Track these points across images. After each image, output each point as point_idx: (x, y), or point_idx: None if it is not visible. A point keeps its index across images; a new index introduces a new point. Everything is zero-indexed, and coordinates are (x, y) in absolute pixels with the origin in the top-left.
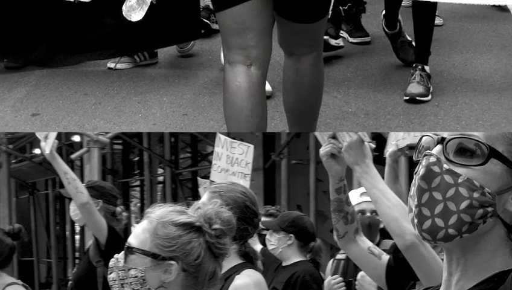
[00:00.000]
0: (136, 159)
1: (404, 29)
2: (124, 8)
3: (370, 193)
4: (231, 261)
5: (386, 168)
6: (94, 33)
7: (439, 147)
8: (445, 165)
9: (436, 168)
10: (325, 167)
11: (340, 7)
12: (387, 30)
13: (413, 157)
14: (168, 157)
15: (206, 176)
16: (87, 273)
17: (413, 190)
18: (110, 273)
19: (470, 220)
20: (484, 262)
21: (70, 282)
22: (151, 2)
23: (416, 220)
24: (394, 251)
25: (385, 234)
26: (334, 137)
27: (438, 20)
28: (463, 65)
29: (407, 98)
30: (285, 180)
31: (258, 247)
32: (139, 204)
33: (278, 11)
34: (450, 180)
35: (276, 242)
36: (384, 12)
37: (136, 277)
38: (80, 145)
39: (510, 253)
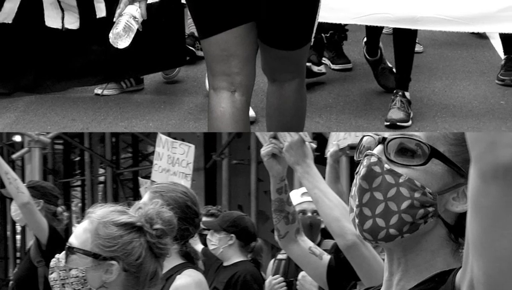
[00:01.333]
0: (77, 159)
1: (385, 56)
2: (110, 35)
3: (311, 193)
4: (172, 261)
5: (327, 168)
6: (81, 60)
7: (380, 147)
8: (386, 165)
9: (377, 168)
10: (266, 167)
11: (323, 34)
12: (368, 57)
13: (354, 157)
14: (109, 157)
15: (147, 176)
16: (28, 273)
17: (354, 189)
18: (51, 273)
19: (411, 220)
20: (425, 262)
21: (11, 282)
22: (138, 30)
23: (357, 220)
24: (335, 251)
25: (326, 234)
26: (275, 137)
27: (418, 47)
28: (443, 91)
29: (388, 123)
30: (226, 180)
31: (199, 247)
32: (80, 204)
33: (261, 39)
34: (391, 180)
35: (217, 242)
36: (365, 39)
37: (77, 276)
38: (21, 145)
39: (451, 253)
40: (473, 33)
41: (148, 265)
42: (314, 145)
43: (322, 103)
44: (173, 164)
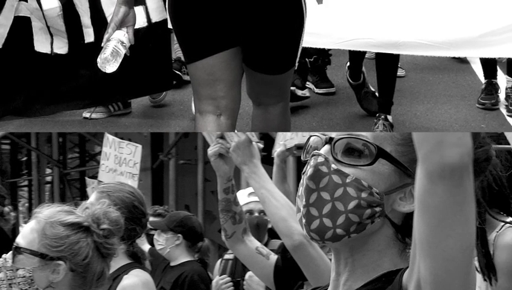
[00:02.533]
0: (24, 159)
1: (367, 80)
2: (98, 60)
3: (258, 192)
4: (119, 261)
5: (274, 168)
6: (70, 84)
7: (327, 147)
8: (333, 165)
9: (324, 168)
10: (213, 167)
11: (307, 59)
12: (351, 81)
13: (302, 157)
14: (56, 157)
15: (94, 176)
16: None
17: (301, 190)
18: None
19: (358, 220)
20: (372, 262)
21: None
22: (125, 54)
23: (304, 220)
24: (282, 251)
25: (273, 234)
26: (222, 137)
27: (400, 72)
28: (424, 115)
29: None
30: (173, 180)
31: (146, 247)
32: (27, 204)
33: (246, 63)
34: (338, 180)
35: (164, 242)
36: (348, 64)
37: (24, 276)
38: None
39: (398, 253)
40: (454, 58)
41: (95, 265)
42: (261, 145)
43: (306, 126)
44: (120, 164)
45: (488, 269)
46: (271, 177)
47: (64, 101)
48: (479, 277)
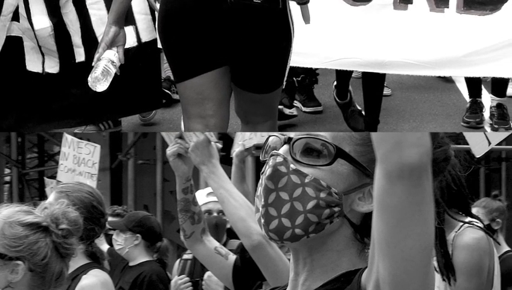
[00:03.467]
0: None
1: (354, 99)
2: (89, 79)
3: (217, 193)
4: (78, 261)
5: (233, 168)
6: (61, 103)
7: (286, 147)
8: (292, 165)
9: (282, 168)
10: (172, 167)
11: (294, 78)
12: (338, 100)
13: (260, 157)
14: (14, 157)
15: (53, 176)
16: None
17: (260, 190)
18: None
19: (316, 220)
20: (331, 262)
21: None
22: (115, 74)
23: (263, 220)
24: (241, 251)
25: (232, 234)
26: (181, 137)
27: (386, 91)
28: None
29: None
30: (132, 180)
31: (104, 247)
32: None
33: (235, 82)
34: (297, 180)
35: (122, 242)
36: (335, 83)
37: None
38: None
39: (357, 253)
40: (439, 77)
41: (54, 265)
42: (220, 145)
43: None
44: (79, 164)
45: (447, 269)
46: (230, 177)
47: (56, 119)
48: (437, 277)
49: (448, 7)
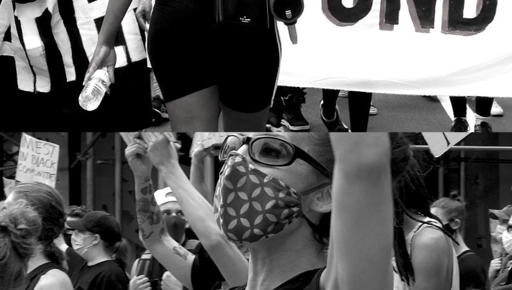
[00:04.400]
0: None
1: (341, 118)
2: (80, 98)
3: (175, 192)
4: (37, 261)
5: (192, 168)
6: (52, 122)
7: (244, 147)
8: (250, 165)
9: (241, 168)
10: (131, 167)
11: (281, 97)
12: (325, 119)
13: (219, 157)
14: None
15: (12, 176)
16: None
17: (218, 190)
18: None
19: (275, 220)
20: (290, 262)
21: None
22: (106, 93)
23: (221, 220)
24: (200, 251)
25: (191, 234)
26: (139, 137)
27: (372, 110)
28: None
29: None
30: (90, 180)
31: (63, 247)
32: None
33: (223, 101)
34: (256, 180)
35: (81, 242)
36: (322, 102)
37: None
38: None
39: (315, 253)
40: (424, 96)
41: (12, 265)
42: (179, 145)
43: None
44: (38, 164)
45: (406, 269)
46: (188, 177)
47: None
48: (396, 277)
49: (433, 27)
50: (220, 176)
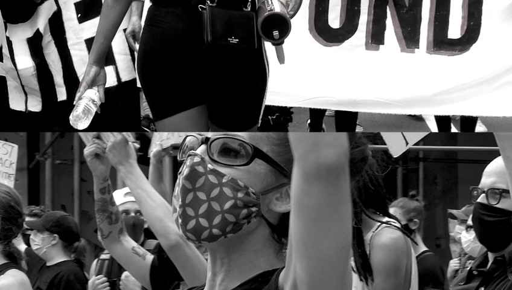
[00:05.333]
0: None
1: None
2: (71, 117)
3: (134, 193)
4: None
5: (151, 168)
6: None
7: (203, 147)
8: (209, 165)
9: (200, 168)
10: (90, 167)
11: (269, 116)
12: None
13: (178, 158)
14: None
15: None
16: None
17: (177, 190)
18: None
19: (234, 220)
20: (248, 262)
21: None
22: (96, 112)
23: (180, 220)
24: (158, 251)
25: (149, 234)
26: (98, 137)
27: (358, 129)
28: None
29: None
30: (49, 180)
31: (22, 247)
32: None
33: (212, 120)
34: (214, 180)
35: (40, 242)
36: (309, 121)
37: None
38: None
39: (274, 253)
40: (410, 115)
41: None
42: (138, 145)
43: None
44: None
45: (365, 269)
46: (147, 178)
47: None
48: (355, 276)
49: (418, 48)
50: (178, 176)
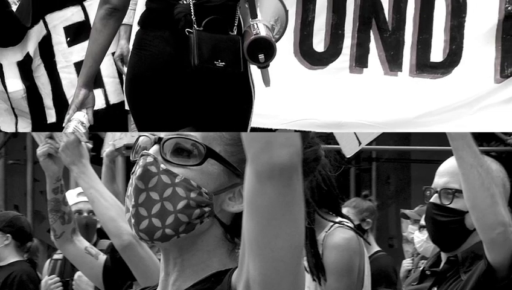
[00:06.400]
0: None
1: None
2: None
3: (87, 193)
4: None
5: (103, 168)
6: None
7: (156, 147)
8: (162, 165)
9: (153, 168)
10: (42, 167)
11: None
12: None
13: (131, 158)
14: None
15: None
16: None
17: (130, 190)
18: None
19: (187, 220)
20: (201, 262)
21: None
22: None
23: (133, 220)
24: (111, 251)
25: (102, 234)
26: (51, 137)
27: None
28: None
29: None
30: (2, 180)
31: None
32: None
33: None
34: (167, 180)
35: None
36: None
37: None
38: None
39: (227, 253)
40: None
41: None
42: (90, 145)
43: None
44: None
45: (317, 269)
46: (100, 178)
47: None
48: (308, 277)
49: (401, 71)
50: (131, 176)
